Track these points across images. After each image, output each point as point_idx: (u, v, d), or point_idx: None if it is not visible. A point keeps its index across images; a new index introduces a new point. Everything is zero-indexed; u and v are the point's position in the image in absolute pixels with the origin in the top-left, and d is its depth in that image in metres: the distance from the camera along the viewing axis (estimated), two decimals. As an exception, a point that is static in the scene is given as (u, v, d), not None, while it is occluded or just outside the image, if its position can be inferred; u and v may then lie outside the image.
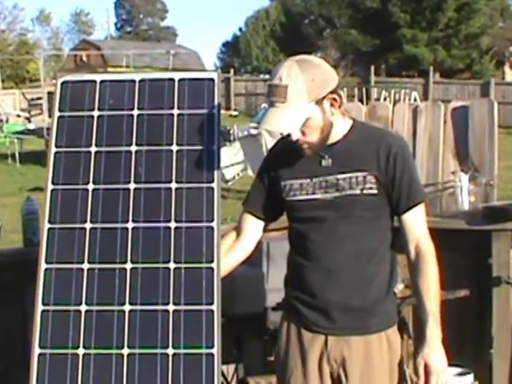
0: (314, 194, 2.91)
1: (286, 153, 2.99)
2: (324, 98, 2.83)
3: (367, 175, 2.88)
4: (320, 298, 2.93)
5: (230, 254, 3.05)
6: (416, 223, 2.94)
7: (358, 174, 2.88)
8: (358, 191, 2.87)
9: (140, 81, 3.14)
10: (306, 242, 2.95)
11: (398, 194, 2.92)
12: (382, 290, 2.96)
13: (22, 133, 21.28)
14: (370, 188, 2.88)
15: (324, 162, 2.92)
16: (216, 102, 3.07)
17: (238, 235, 3.09)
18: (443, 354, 2.81)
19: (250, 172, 12.74)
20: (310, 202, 2.92)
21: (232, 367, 4.45)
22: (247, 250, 3.11)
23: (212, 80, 3.12)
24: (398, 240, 2.98)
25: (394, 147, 2.92)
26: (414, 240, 2.93)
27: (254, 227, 3.08)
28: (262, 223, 3.09)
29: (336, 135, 2.91)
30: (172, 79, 3.13)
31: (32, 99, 29.05)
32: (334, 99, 2.84)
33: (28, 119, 26.22)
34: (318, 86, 2.79)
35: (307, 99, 2.79)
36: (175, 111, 3.08)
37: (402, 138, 3.30)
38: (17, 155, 19.64)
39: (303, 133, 2.82)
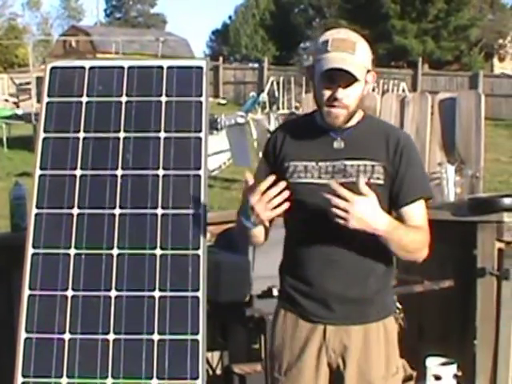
0: (319, 178, 2.88)
1: (294, 134, 2.97)
2: (369, 71, 2.86)
3: (376, 165, 2.86)
4: (319, 289, 2.91)
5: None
6: (415, 216, 2.90)
7: (367, 162, 2.86)
8: (365, 180, 2.84)
9: (129, 67, 3.14)
10: (307, 231, 2.93)
11: (398, 187, 2.88)
12: (380, 282, 2.95)
13: (10, 118, 21.22)
14: (378, 178, 2.86)
15: (336, 144, 2.89)
16: (204, 90, 3.08)
17: None
18: (382, 218, 2.73)
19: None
20: (314, 186, 2.87)
21: (217, 354, 4.46)
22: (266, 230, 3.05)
23: (200, 68, 3.12)
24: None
25: (402, 141, 2.91)
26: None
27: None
28: None
29: (351, 120, 2.90)
30: (161, 66, 3.13)
31: (20, 84, 28.92)
32: (373, 76, 2.87)
33: (16, 104, 26.15)
34: (370, 58, 2.85)
35: (368, 62, 2.83)
36: (163, 98, 3.08)
37: (409, 134, 3.28)
38: (4, 140, 19.57)
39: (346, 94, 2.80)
